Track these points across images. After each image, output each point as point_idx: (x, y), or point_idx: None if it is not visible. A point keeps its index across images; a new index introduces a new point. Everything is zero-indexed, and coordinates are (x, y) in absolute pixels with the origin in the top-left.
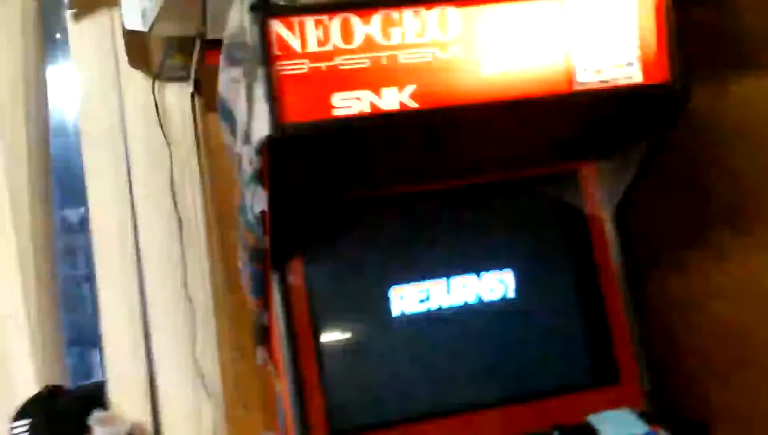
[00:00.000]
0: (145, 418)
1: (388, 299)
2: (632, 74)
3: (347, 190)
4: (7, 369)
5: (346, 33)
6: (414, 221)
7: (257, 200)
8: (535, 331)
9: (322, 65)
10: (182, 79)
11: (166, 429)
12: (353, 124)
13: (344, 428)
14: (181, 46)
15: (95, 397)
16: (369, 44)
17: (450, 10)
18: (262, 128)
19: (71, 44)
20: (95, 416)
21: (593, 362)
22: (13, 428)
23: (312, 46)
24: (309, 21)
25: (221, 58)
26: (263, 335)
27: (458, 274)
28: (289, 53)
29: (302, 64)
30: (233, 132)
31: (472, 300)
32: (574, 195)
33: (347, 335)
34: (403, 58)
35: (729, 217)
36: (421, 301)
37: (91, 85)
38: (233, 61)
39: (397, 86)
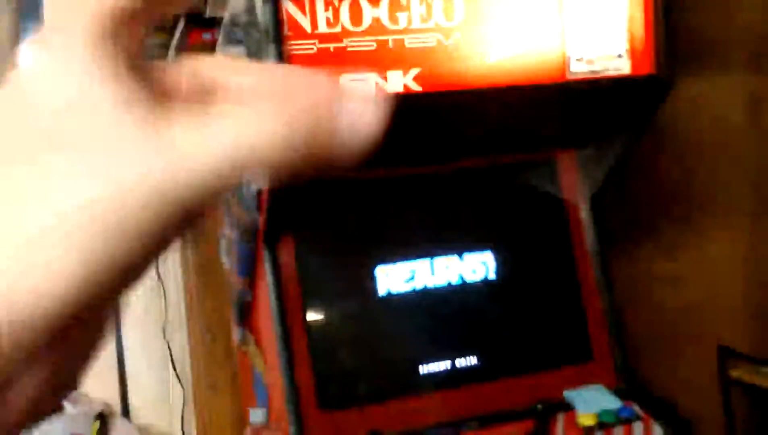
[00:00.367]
0: (113, 399)
1: (374, 278)
2: (621, 66)
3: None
4: None
5: (355, 15)
6: (400, 204)
7: (255, 179)
8: (515, 311)
9: (331, 46)
10: (159, 58)
11: (134, 410)
12: None
13: (332, 403)
14: (162, 23)
15: None
16: (376, 27)
17: None
18: None
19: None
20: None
21: (569, 341)
22: None
23: (322, 27)
24: (319, 2)
25: (220, 36)
26: (244, 314)
27: (442, 254)
28: (300, 33)
29: (311, 44)
30: None
31: (455, 280)
32: (552, 181)
33: (335, 312)
34: (409, 42)
35: (677, 209)
36: (407, 280)
37: None
38: (233, 40)
39: (402, 69)
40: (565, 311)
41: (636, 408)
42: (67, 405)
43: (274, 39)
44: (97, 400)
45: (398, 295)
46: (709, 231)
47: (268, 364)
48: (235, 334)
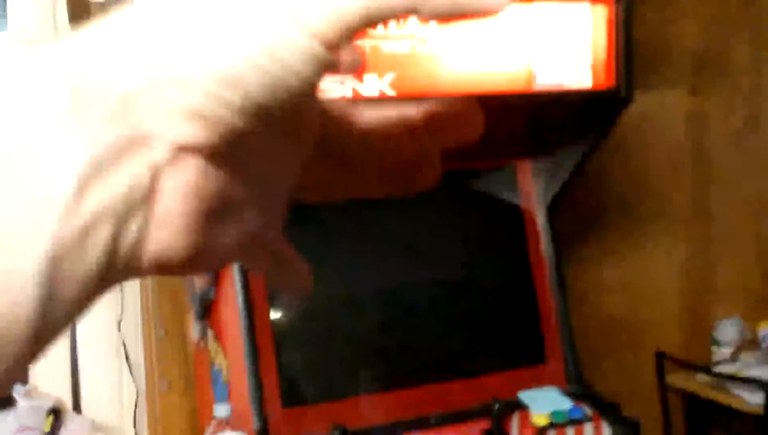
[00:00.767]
0: (65, 393)
1: (338, 277)
2: (584, 79)
3: None
4: None
5: None
6: (362, 205)
7: None
8: (473, 314)
9: None
10: None
11: (86, 405)
12: None
13: (296, 400)
14: None
15: None
16: None
17: None
18: None
19: (8, 15)
20: (18, 389)
21: (523, 344)
22: None
23: None
24: None
25: None
26: (205, 310)
27: (403, 256)
28: None
29: None
30: None
31: (416, 281)
32: (511, 188)
33: (300, 310)
34: (386, 47)
35: (623, 218)
36: (368, 279)
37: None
38: None
39: (377, 73)
40: (520, 315)
41: (586, 409)
42: (20, 399)
43: None
44: (49, 395)
45: (360, 294)
46: (651, 240)
47: (231, 361)
48: (194, 330)
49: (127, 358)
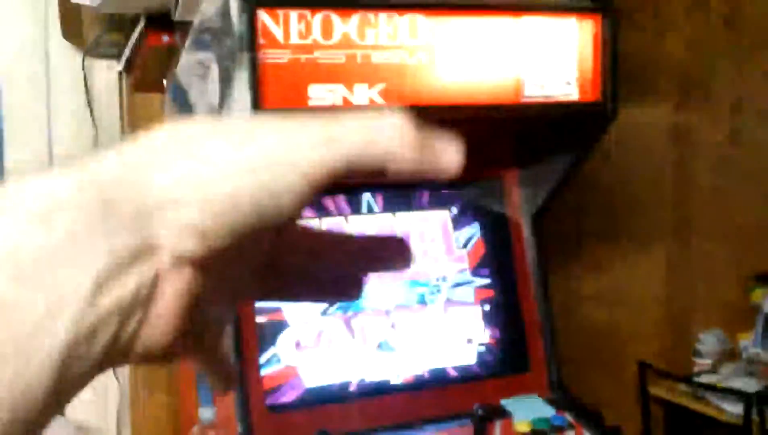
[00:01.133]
0: None
1: None
2: (570, 92)
3: None
4: None
5: (326, 29)
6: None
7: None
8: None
9: (302, 57)
10: (110, 56)
11: (69, 407)
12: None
13: (280, 405)
14: (120, 23)
15: None
16: (346, 42)
17: (420, 18)
18: (242, 113)
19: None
20: None
21: (507, 352)
22: None
23: (294, 39)
24: (293, 14)
25: (188, 41)
26: None
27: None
28: (272, 43)
29: (283, 54)
30: (184, 111)
31: (402, 289)
32: (497, 199)
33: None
34: (376, 58)
35: (606, 230)
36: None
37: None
38: (201, 46)
39: (368, 83)
40: (504, 323)
41: (568, 417)
42: None
43: (248, 47)
44: None
45: (345, 302)
46: (633, 253)
47: None
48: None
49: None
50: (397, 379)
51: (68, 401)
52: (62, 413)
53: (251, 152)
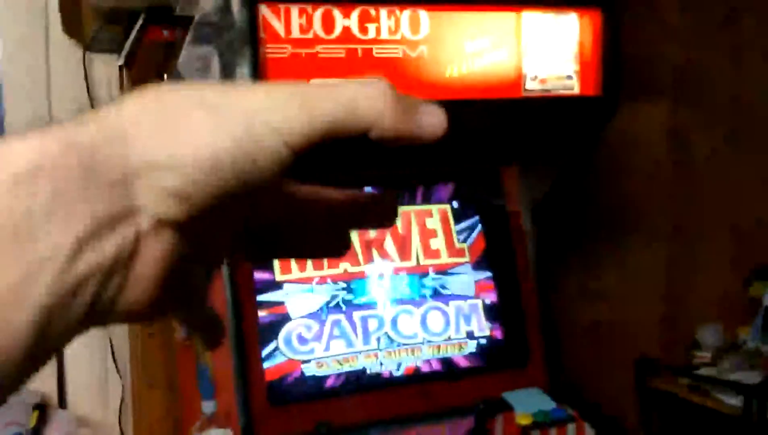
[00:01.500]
0: (51, 389)
1: (323, 279)
2: (571, 86)
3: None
4: None
5: (327, 23)
6: None
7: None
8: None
9: (303, 51)
10: (110, 51)
11: (71, 400)
12: None
13: (282, 397)
14: (120, 17)
15: None
16: (347, 36)
17: (421, 12)
18: None
19: None
20: None
21: (508, 346)
22: None
23: (295, 33)
24: (294, 9)
25: (189, 35)
26: None
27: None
28: (274, 37)
29: (284, 48)
30: None
31: (402, 284)
32: (497, 192)
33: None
34: (377, 52)
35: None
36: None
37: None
38: (203, 40)
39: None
40: (505, 318)
41: (569, 410)
42: None
43: (250, 41)
44: (34, 390)
45: (346, 296)
46: (632, 250)
47: (218, 358)
48: (181, 328)
49: (113, 354)
50: (397, 372)
51: (49, 358)
52: (41, 370)
53: (231, 117)
